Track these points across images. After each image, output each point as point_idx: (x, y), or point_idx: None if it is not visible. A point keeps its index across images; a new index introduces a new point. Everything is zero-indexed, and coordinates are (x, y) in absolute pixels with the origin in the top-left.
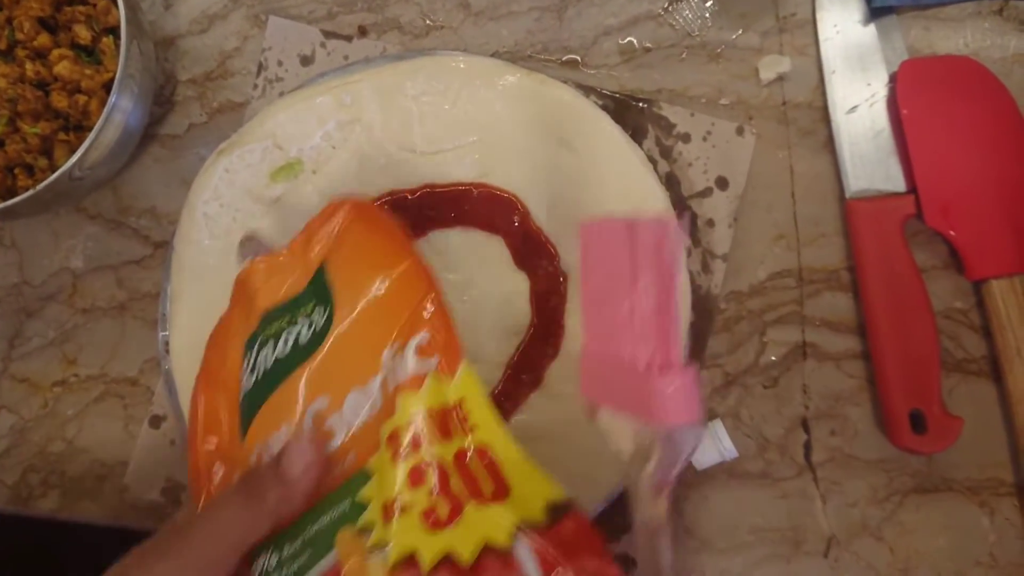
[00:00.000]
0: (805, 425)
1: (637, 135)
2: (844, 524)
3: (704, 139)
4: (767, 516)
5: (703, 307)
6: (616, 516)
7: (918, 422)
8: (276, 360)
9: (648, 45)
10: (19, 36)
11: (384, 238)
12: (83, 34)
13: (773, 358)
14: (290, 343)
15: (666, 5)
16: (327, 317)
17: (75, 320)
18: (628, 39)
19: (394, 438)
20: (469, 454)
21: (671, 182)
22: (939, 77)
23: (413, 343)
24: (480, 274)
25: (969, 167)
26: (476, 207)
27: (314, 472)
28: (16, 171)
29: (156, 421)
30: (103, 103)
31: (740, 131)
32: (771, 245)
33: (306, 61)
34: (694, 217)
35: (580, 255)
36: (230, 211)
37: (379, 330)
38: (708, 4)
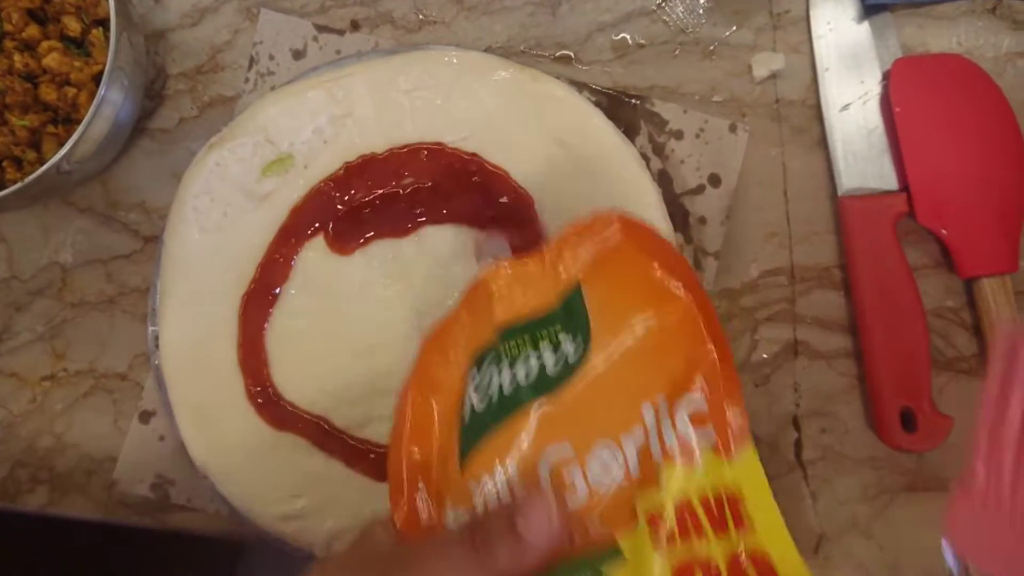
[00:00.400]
0: (796, 423)
1: (630, 132)
2: (834, 522)
3: (697, 136)
4: None
5: None
6: None
7: (908, 420)
8: (515, 385)
9: (641, 41)
10: (7, 27)
11: (659, 267)
12: (72, 26)
13: (764, 356)
14: (532, 371)
15: (660, 2)
16: (581, 350)
17: (64, 315)
18: (621, 35)
19: (656, 518)
20: (743, 559)
21: (663, 179)
22: (932, 76)
23: (685, 405)
24: (472, 271)
25: (961, 166)
26: (468, 202)
27: (557, 538)
28: (4, 164)
29: (146, 416)
30: (92, 96)
31: (733, 128)
32: (763, 243)
33: (298, 55)
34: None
35: (992, 368)
36: (221, 205)
37: (642, 379)
38: (702, 1)
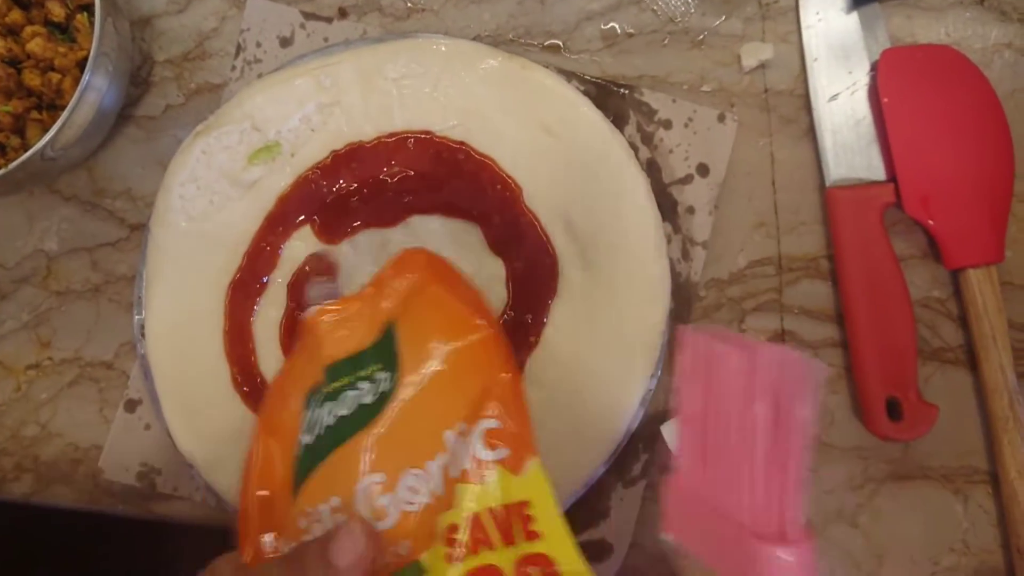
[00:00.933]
0: None
1: (618, 121)
2: (820, 510)
3: (685, 126)
4: None
5: (682, 294)
6: (594, 501)
7: (894, 410)
8: (337, 420)
9: (630, 31)
10: None
11: (458, 302)
12: (56, 11)
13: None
14: (352, 404)
15: None
16: (391, 382)
17: (49, 303)
18: (610, 24)
19: (451, 534)
20: (529, 567)
21: (652, 168)
22: (920, 66)
23: (480, 428)
24: (461, 260)
25: (949, 156)
26: (456, 191)
27: (364, 565)
28: None
29: (131, 405)
30: (77, 82)
31: (722, 118)
32: (751, 233)
33: (285, 43)
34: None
35: (681, 366)
36: (207, 193)
37: (444, 407)
38: None
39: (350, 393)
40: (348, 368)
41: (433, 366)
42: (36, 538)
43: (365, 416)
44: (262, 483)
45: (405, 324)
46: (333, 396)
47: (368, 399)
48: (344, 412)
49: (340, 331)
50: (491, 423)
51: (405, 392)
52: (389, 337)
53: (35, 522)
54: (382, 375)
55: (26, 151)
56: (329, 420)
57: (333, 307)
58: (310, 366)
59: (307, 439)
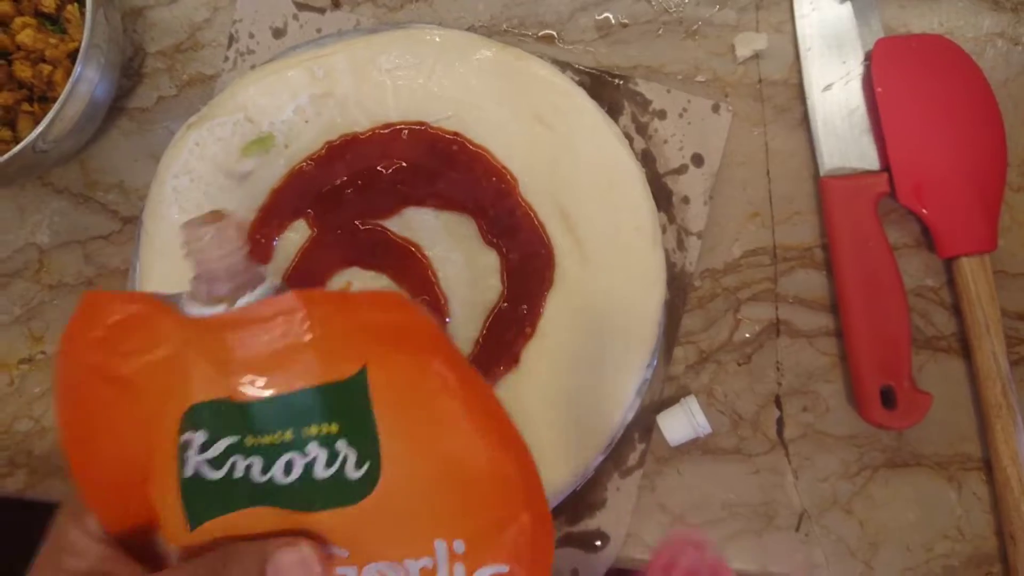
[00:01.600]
0: (778, 401)
1: (613, 111)
2: (815, 499)
3: (680, 116)
4: (740, 491)
5: (678, 284)
6: (591, 491)
7: (888, 398)
8: (267, 478)
9: (625, 21)
10: None
11: (472, 424)
12: (47, 2)
13: (747, 335)
14: (295, 469)
15: None
16: (365, 464)
17: (42, 296)
18: (605, 14)
19: None
20: None
21: (647, 159)
22: (914, 56)
23: (488, 571)
24: (455, 250)
25: (942, 146)
26: (451, 182)
27: None
28: None
29: None
30: (68, 73)
31: (716, 108)
32: (746, 223)
33: (278, 34)
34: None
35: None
36: (200, 185)
37: (440, 512)
38: None
39: (294, 457)
40: (285, 415)
41: (432, 460)
42: (27, 534)
43: (320, 498)
44: (124, 453)
45: (386, 385)
46: (261, 448)
47: (322, 474)
48: (282, 474)
49: (260, 350)
50: (499, 568)
51: (386, 479)
52: (357, 394)
53: (26, 517)
54: (347, 450)
55: (17, 144)
56: (255, 472)
57: (254, 311)
58: (208, 373)
59: (209, 471)
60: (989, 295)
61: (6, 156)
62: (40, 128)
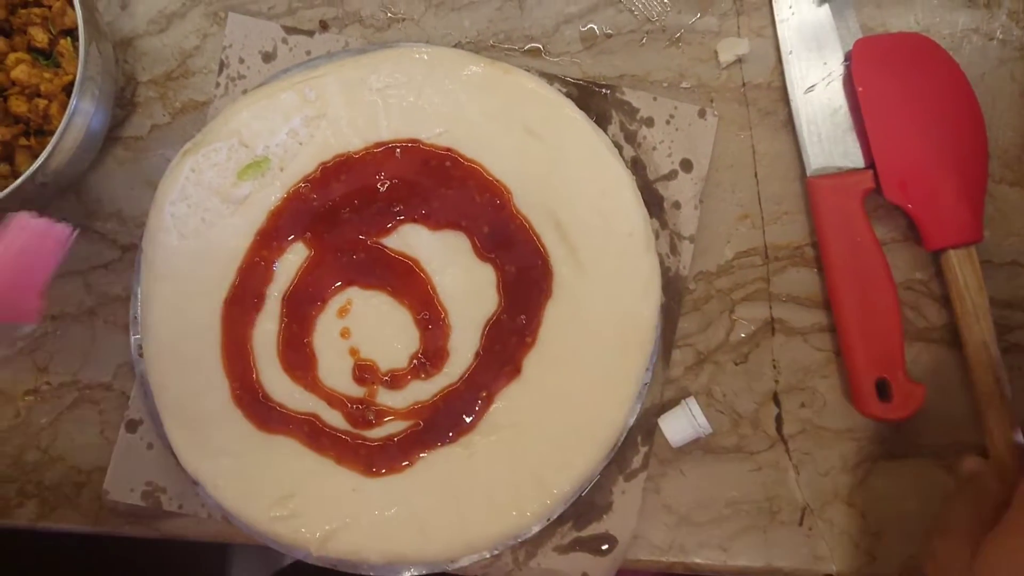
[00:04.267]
0: (776, 399)
1: (601, 121)
2: (817, 493)
3: (667, 122)
4: (743, 489)
5: (673, 288)
6: (597, 496)
7: (883, 391)
8: None
9: (609, 31)
10: None
11: None
12: (39, 37)
13: (743, 335)
14: None
15: None
16: None
17: (44, 327)
18: (589, 26)
19: None
20: None
21: (637, 166)
22: (892, 54)
23: None
24: (452, 265)
25: (924, 141)
26: (445, 199)
27: None
28: None
29: (132, 425)
30: (64, 107)
31: (702, 114)
32: (736, 224)
33: (268, 57)
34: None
35: None
36: (198, 211)
37: None
38: None
39: None
40: None
41: None
42: (37, 562)
43: None
44: None
45: None
46: None
47: None
48: None
49: None
50: None
51: None
52: None
53: (35, 546)
54: None
55: (16, 178)
56: None
57: None
58: None
59: None
60: (977, 285)
61: (7, 190)
62: (39, 161)
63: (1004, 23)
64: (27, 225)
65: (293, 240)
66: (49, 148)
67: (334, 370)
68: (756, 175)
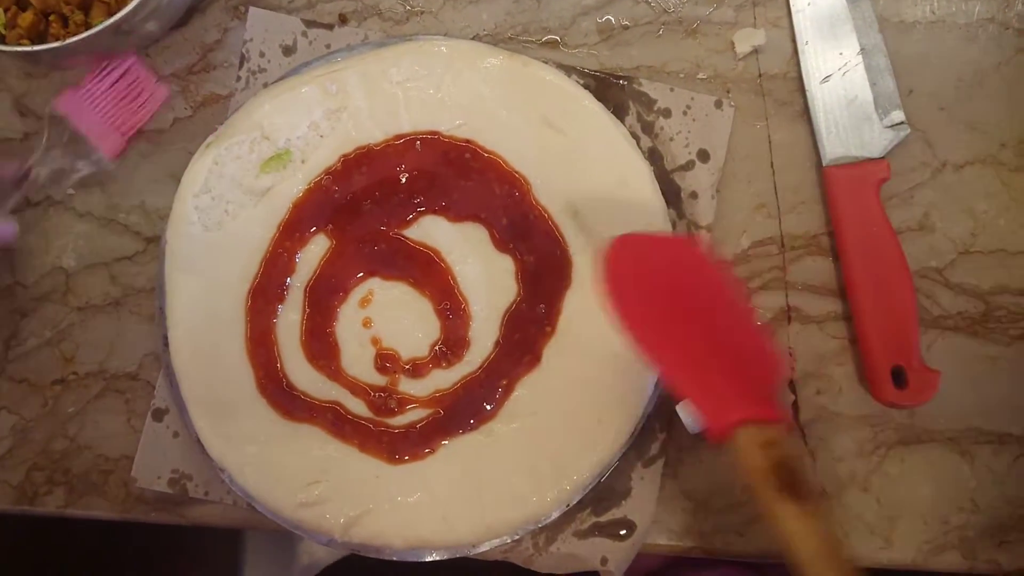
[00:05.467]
0: (792, 386)
1: (619, 112)
2: (833, 478)
3: (684, 113)
4: None
5: None
6: (616, 481)
7: (899, 378)
8: None
9: (626, 23)
10: None
11: None
12: None
13: (759, 323)
14: None
15: None
16: None
17: (71, 319)
18: (606, 18)
19: None
20: None
21: (654, 157)
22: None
23: None
24: (472, 255)
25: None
26: (465, 191)
27: None
28: (51, 18)
29: (159, 414)
30: None
31: (719, 104)
32: (753, 214)
33: (288, 51)
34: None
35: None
36: (221, 203)
37: None
38: None
39: None
40: None
41: None
42: (51, 548)
43: None
44: None
45: None
46: None
47: None
48: None
49: None
50: None
51: None
52: None
53: (51, 531)
54: None
55: (88, 28)
56: None
57: None
58: None
59: None
60: None
61: (76, 38)
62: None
63: (1020, 11)
64: (139, 71)
65: (315, 232)
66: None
67: (357, 359)
68: (772, 165)
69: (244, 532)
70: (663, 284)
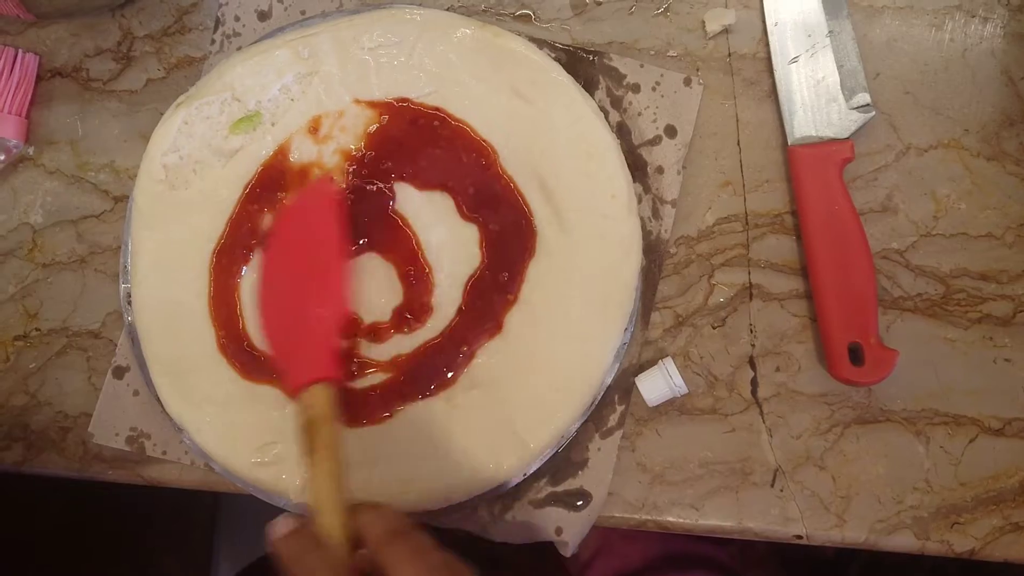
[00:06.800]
0: (752, 362)
1: (589, 86)
2: (789, 455)
3: (653, 89)
4: (716, 450)
5: (654, 251)
6: (573, 452)
7: (856, 355)
8: None
9: None
10: None
11: None
12: None
13: (721, 299)
14: None
15: None
16: None
17: (35, 275)
18: None
19: None
20: None
21: (622, 131)
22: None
23: None
24: (439, 223)
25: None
26: (432, 158)
27: None
28: None
29: (119, 371)
30: None
31: (688, 82)
32: (718, 191)
33: (263, 16)
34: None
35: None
36: (190, 163)
37: None
38: None
39: None
40: None
41: None
42: (23, 512)
43: None
44: None
45: None
46: None
47: None
48: None
49: None
50: None
51: None
52: None
53: (22, 498)
54: None
55: None
56: None
57: None
58: None
59: None
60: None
61: None
62: None
63: (987, 1)
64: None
65: (283, 195)
66: None
67: None
68: (739, 143)
69: (218, 516)
70: (288, 240)
